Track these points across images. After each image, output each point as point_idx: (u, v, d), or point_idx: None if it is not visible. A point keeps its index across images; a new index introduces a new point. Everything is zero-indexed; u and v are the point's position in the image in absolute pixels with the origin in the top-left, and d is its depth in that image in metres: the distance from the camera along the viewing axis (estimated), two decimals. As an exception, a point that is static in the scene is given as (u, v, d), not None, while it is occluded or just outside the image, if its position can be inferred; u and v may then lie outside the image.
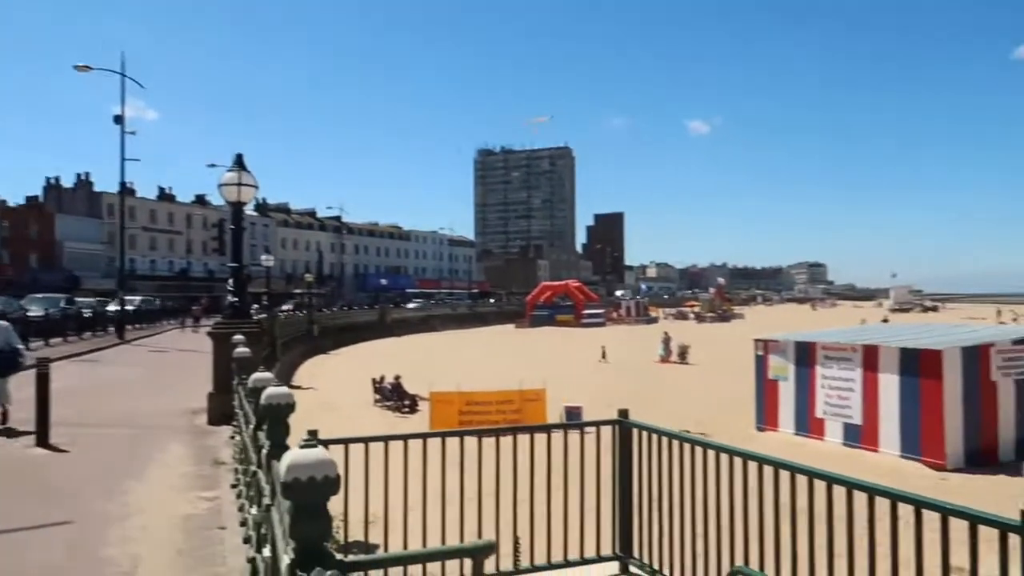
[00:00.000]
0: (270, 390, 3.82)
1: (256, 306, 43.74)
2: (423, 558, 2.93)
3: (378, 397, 23.30)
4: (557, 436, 5.20)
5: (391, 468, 4.66)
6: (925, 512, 3.05)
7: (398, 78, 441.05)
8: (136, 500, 7.37)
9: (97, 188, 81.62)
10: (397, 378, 23.26)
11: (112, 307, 39.43)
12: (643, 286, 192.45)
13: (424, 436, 4.83)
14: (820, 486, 3.60)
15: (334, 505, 4.66)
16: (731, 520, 4.03)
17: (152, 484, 8.10)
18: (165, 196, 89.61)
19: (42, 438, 9.95)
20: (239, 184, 11.74)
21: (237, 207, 12.24)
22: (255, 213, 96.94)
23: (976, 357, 15.47)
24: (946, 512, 2.92)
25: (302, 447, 2.31)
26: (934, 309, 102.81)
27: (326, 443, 4.47)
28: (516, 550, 4.72)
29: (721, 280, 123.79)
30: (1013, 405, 15.68)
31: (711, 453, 4.21)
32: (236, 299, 12.79)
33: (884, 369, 15.96)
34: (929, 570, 3.16)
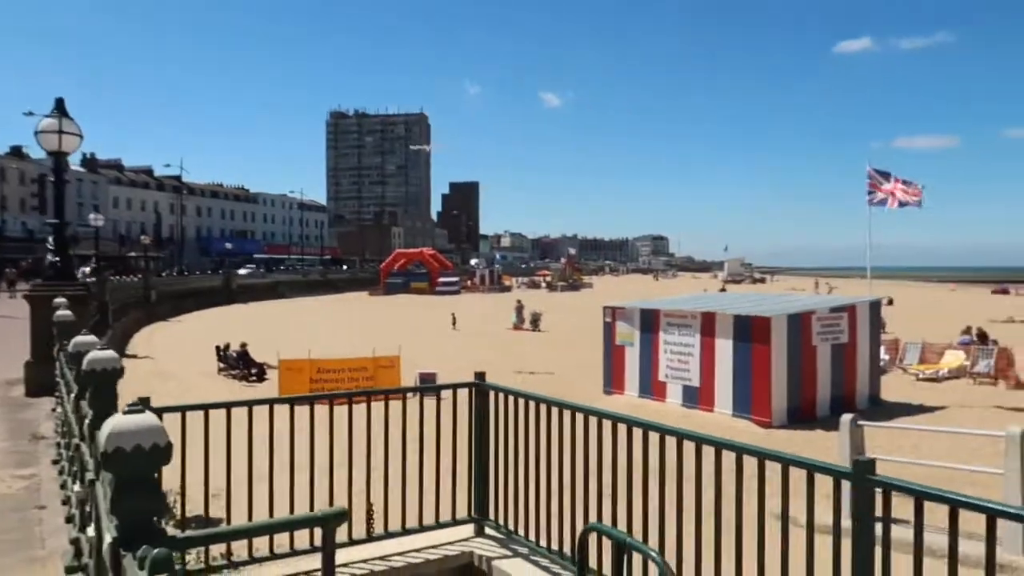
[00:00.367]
0: (93, 354, 3.45)
1: (85, 269, 40.32)
2: (267, 529, 2.74)
3: (223, 366, 22.18)
4: (412, 402, 5.08)
5: (235, 438, 4.37)
6: (767, 464, 3.22)
7: (247, 31, 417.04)
8: (-64, 482, 6.57)
9: None
10: (243, 346, 22.22)
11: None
12: (497, 255, 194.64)
13: (271, 402, 4.56)
14: (671, 443, 3.71)
15: (170, 479, 4.32)
16: (585, 479, 4.09)
17: (-44, 463, 7.24)
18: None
19: None
20: (60, 132, 10.62)
21: (58, 157, 11.07)
22: (82, 169, 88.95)
23: (799, 324, 16.73)
24: (787, 462, 3.08)
25: (127, 413, 2.06)
26: (762, 281, 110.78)
27: (160, 411, 4.11)
28: (369, 517, 4.59)
29: (572, 251, 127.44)
30: (829, 367, 17.13)
31: (566, 413, 4.24)
32: (58, 259, 11.63)
33: (720, 335, 16.94)
34: (765, 518, 3.34)
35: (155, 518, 2.08)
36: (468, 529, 4.98)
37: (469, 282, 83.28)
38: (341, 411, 4.70)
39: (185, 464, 4.22)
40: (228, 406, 4.39)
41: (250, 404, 4.46)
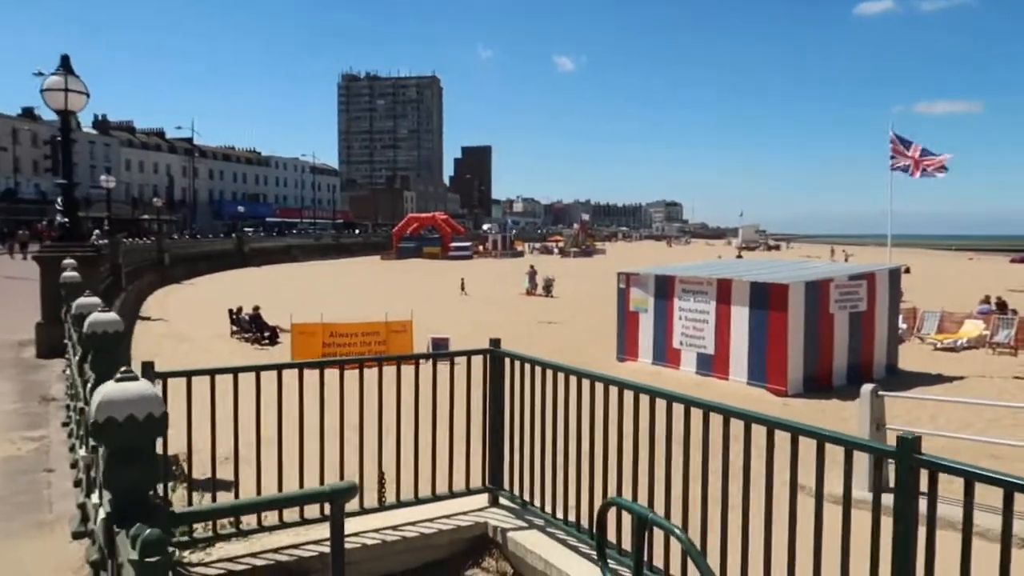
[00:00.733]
0: (94, 316, 3.31)
1: (97, 232, 40.37)
2: (274, 504, 2.61)
3: (235, 329, 22.20)
4: (425, 367, 4.93)
5: (243, 403, 4.24)
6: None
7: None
8: (-54, 443, 6.53)
9: (-99, 95, 71.81)
10: (256, 309, 22.21)
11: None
12: (510, 220, 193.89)
13: (279, 367, 4.42)
14: (685, 412, 3.54)
15: (179, 442, 4.20)
16: (604, 450, 3.95)
17: (-34, 424, 7.21)
18: (-14, 107, 80.00)
19: None
20: (66, 90, 10.42)
21: (65, 116, 10.89)
22: (94, 131, 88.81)
23: (817, 291, 16.47)
24: (823, 439, 2.92)
25: (119, 380, 1.90)
26: (776, 248, 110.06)
27: (165, 376, 3.99)
28: (381, 486, 4.48)
29: (585, 216, 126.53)
30: (847, 336, 16.90)
31: (584, 382, 4.09)
32: (67, 220, 11.51)
33: (736, 302, 16.72)
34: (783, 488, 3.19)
35: (151, 492, 1.94)
36: (482, 499, 4.86)
37: (481, 247, 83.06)
38: (353, 376, 4.56)
39: (191, 429, 4.11)
40: (235, 371, 4.26)
41: (258, 369, 4.33)
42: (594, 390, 4.03)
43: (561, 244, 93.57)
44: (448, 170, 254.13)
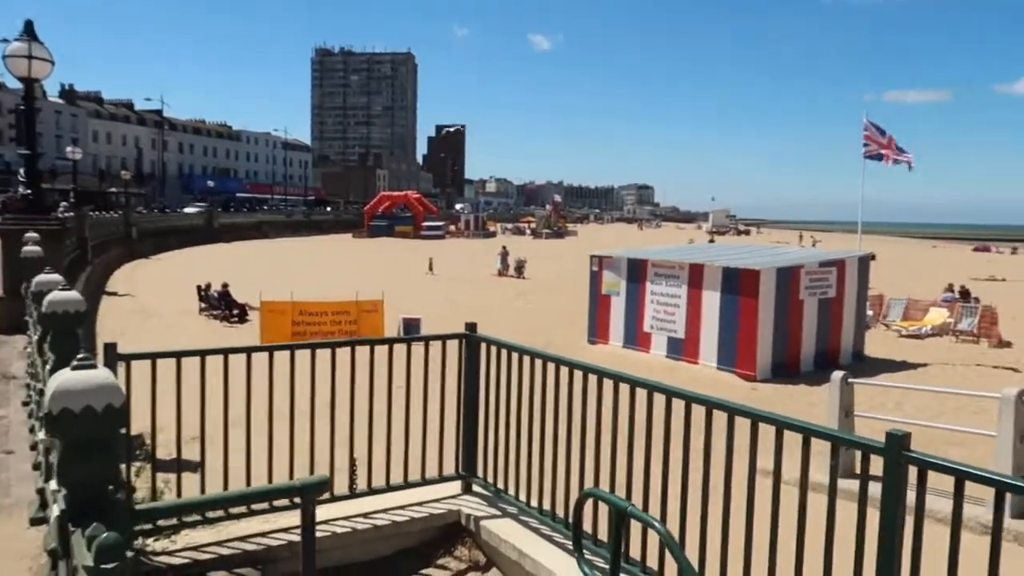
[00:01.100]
0: (54, 295, 3.16)
1: (64, 204, 39.40)
2: (241, 499, 2.51)
3: (204, 306, 21.85)
4: (399, 350, 4.82)
5: (211, 383, 4.11)
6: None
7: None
8: (-102, 421, 6.29)
9: None
10: (225, 286, 21.86)
11: None
12: (482, 200, 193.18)
13: (248, 351, 4.29)
14: (667, 403, 3.50)
15: (143, 423, 4.06)
16: (582, 438, 3.89)
17: (-80, 402, 6.96)
18: (-55, 73, 77.55)
19: None
20: (30, 56, 10.05)
21: (29, 84, 10.52)
22: (61, 101, 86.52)
23: (788, 278, 16.57)
24: (809, 433, 2.89)
25: (76, 368, 1.78)
26: (747, 233, 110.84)
27: (128, 358, 3.85)
28: (353, 472, 4.38)
29: (557, 198, 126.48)
30: (815, 322, 17.05)
31: (564, 370, 4.02)
32: (30, 191, 11.16)
33: (708, 287, 16.77)
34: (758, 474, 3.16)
35: (111, 486, 1.83)
36: (455, 486, 4.79)
37: (454, 227, 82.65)
38: (324, 358, 4.44)
39: (156, 409, 3.97)
40: (203, 354, 4.12)
41: (226, 352, 4.19)
42: (572, 378, 3.96)
43: (533, 225, 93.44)
44: (422, 149, 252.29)
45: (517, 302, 27.07)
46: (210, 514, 3.90)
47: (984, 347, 20.56)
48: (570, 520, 3.95)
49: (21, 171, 11.78)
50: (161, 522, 3.73)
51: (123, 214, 42.44)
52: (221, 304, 21.43)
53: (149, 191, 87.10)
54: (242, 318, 20.97)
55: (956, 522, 2.36)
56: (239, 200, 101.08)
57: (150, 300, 23.90)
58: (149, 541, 3.57)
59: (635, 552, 3.37)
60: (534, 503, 4.24)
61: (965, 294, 27.61)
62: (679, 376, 14.77)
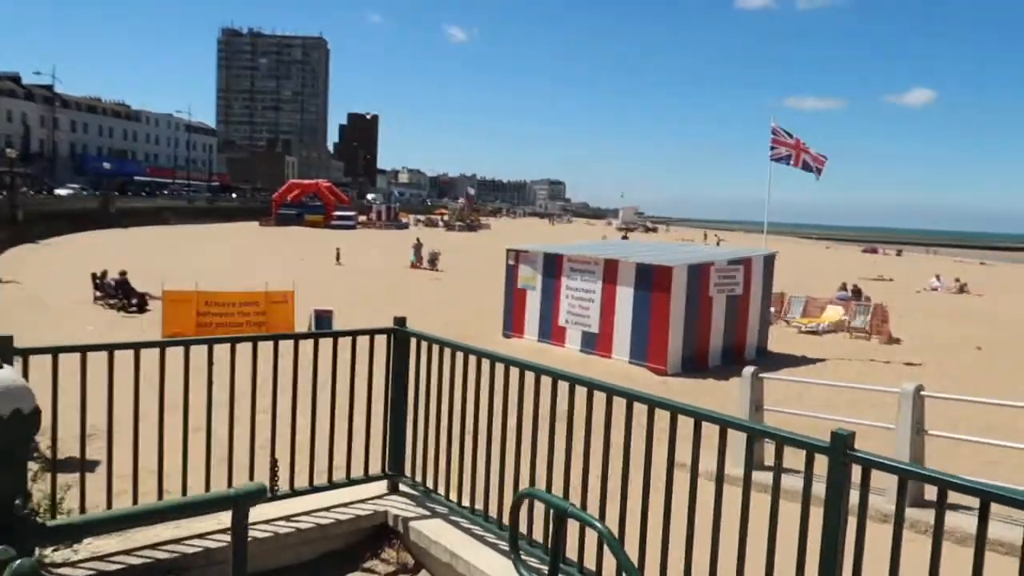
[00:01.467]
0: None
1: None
2: (166, 514, 2.30)
3: (99, 294, 20.67)
4: (317, 344, 4.61)
5: (118, 382, 3.81)
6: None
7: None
8: None
9: None
10: (123, 274, 20.73)
11: None
12: (395, 191, 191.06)
13: (163, 344, 4.01)
14: (607, 401, 3.46)
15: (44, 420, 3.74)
16: (518, 435, 3.81)
17: None
18: None
19: None
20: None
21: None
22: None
23: (699, 275, 17.03)
24: (754, 432, 2.90)
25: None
26: (654, 230, 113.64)
27: (27, 352, 3.52)
28: (273, 474, 4.16)
29: (471, 190, 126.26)
30: (723, 318, 17.61)
31: (499, 366, 3.92)
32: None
33: (622, 282, 17.05)
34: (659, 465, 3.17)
35: (18, 501, 1.62)
36: (381, 486, 4.63)
37: (365, 217, 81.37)
38: (244, 352, 4.19)
39: (56, 412, 3.65)
40: (111, 348, 3.81)
41: (137, 347, 3.90)
42: (508, 373, 3.87)
43: (447, 217, 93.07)
44: (333, 136, 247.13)
45: (431, 295, 26.85)
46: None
47: (876, 343, 21.74)
48: (504, 521, 3.87)
49: None
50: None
51: (7, 195, 39.74)
52: (118, 293, 20.33)
53: (37, 171, 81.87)
54: (142, 307, 19.96)
55: (899, 520, 2.41)
56: (138, 184, 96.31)
57: (39, 288, 22.46)
58: (48, 551, 3.28)
59: (571, 551, 3.33)
60: (465, 503, 4.14)
61: (857, 293, 29.21)
62: (593, 370, 14.94)
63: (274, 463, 4.11)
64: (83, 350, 3.70)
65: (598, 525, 2.77)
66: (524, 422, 3.80)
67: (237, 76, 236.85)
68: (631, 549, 2.91)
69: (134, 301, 20.11)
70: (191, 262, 29.93)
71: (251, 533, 3.88)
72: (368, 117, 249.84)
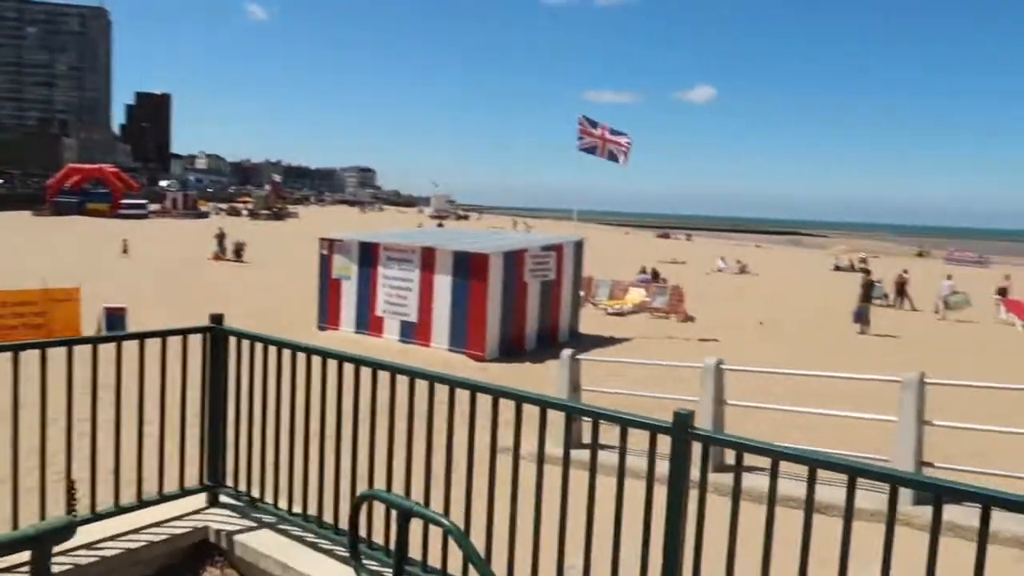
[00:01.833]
0: None
1: None
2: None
3: None
4: (116, 350, 4.12)
5: None
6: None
7: None
8: None
9: None
10: None
11: None
12: (192, 177, 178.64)
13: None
14: (450, 393, 3.38)
15: None
16: (354, 436, 3.62)
17: None
18: None
19: None
20: None
21: None
22: None
23: (514, 261, 17.42)
24: (598, 417, 2.93)
25: None
26: (465, 218, 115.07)
27: None
28: (71, 497, 3.65)
29: (276, 177, 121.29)
30: (538, 304, 18.16)
31: (332, 363, 3.70)
32: None
33: (439, 270, 17.07)
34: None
35: None
36: (200, 499, 4.23)
37: (160, 206, 75.47)
38: (27, 360, 3.64)
39: None
40: None
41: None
42: (342, 369, 3.67)
43: (251, 206, 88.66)
44: (119, 118, 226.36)
45: (236, 288, 25.38)
46: None
47: (674, 322, 23.42)
48: (339, 525, 3.68)
49: None
50: None
51: None
52: None
53: None
54: None
55: (736, 489, 2.56)
56: None
57: None
58: None
59: (414, 550, 3.22)
60: (297, 509, 3.89)
61: (655, 275, 31.39)
62: (413, 359, 14.86)
63: (71, 484, 3.62)
64: None
65: (445, 522, 2.69)
66: (348, 418, 3.61)
67: (0, 46, 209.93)
68: (477, 539, 2.86)
69: None
70: (-53, 257, 26.20)
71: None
72: (159, 96, 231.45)
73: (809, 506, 2.41)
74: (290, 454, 3.87)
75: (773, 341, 20.04)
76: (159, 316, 16.19)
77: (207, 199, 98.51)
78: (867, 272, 30.74)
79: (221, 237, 36.78)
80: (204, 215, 74.65)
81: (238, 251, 35.95)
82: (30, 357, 3.61)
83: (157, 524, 3.90)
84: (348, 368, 3.70)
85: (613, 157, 20.27)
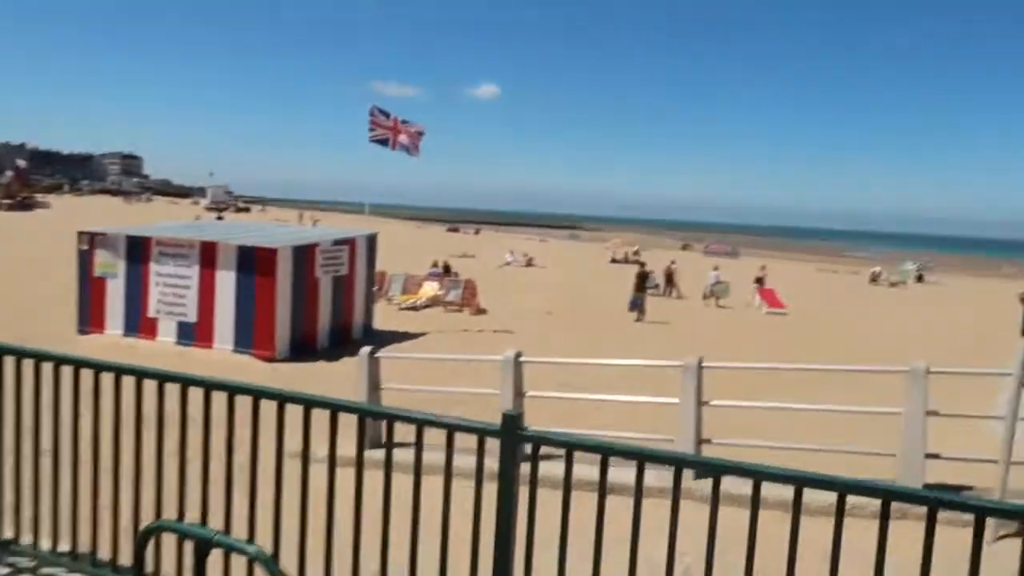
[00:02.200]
0: None
1: None
2: None
3: None
4: None
5: None
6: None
7: None
8: None
9: None
10: None
11: None
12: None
13: None
14: (229, 400, 3.06)
15: None
16: (136, 459, 3.15)
17: None
18: None
19: None
20: None
21: None
22: None
23: (304, 256, 16.70)
24: (448, 427, 2.76)
25: None
26: (247, 210, 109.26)
27: None
28: None
29: (22, 163, 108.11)
30: (330, 300, 17.57)
31: (105, 376, 3.19)
32: None
33: (222, 266, 15.99)
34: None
35: None
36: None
37: None
38: None
39: None
40: None
41: None
42: (119, 382, 3.18)
43: (-8, 195, 78.05)
44: None
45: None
46: None
47: (467, 315, 23.74)
48: (120, 561, 3.20)
49: None
50: None
51: None
52: None
53: None
54: None
55: (567, 486, 2.56)
56: None
57: None
58: None
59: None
60: (64, 547, 3.33)
61: (447, 269, 31.70)
62: (190, 362, 13.77)
63: None
64: None
65: (250, 549, 2.40)
66: (124, 435, 3.17)
67: None
68: (289, 561, 2.60)
69: None
70: None
71: None
72: None
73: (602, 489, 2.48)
74: (53, 485, 3.30)
75: (562, 330, 20.94)
76: None
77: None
78: (641, 264, 33.09)
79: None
80: (-73, 205, 64.43)
81: (-27, 246, 31.36)
82: None
83: None
84: (128, 380, 3.22)
85: (405, 149, 20.07)
